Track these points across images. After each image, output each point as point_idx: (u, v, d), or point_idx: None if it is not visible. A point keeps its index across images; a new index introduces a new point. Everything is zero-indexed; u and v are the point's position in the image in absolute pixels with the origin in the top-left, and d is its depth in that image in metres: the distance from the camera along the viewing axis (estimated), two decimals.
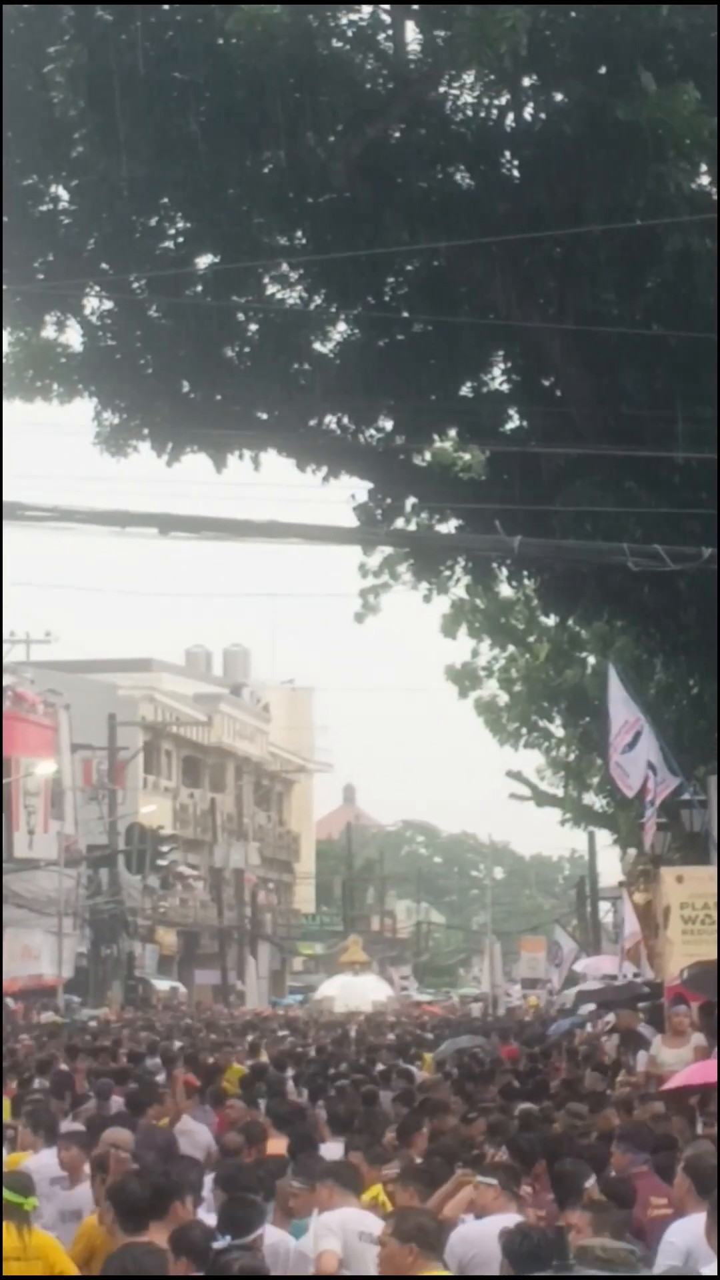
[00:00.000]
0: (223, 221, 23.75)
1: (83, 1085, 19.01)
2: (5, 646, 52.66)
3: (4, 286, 23.41)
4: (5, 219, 23.10)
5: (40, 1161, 12.92)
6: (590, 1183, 9.75)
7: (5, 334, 25.61)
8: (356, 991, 58.88)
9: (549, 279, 24.76)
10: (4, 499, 17.30)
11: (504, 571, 28.98)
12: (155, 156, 22.46)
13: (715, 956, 21.50)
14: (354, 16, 23.33)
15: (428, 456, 29.16)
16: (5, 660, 52.42)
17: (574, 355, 24.94)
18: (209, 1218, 9.62)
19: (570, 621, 33.87)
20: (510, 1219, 9.67)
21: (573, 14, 21.78)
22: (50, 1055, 23.47)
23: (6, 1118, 15.57)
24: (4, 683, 49.40)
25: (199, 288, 25.77)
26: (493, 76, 22.88)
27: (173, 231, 25.55)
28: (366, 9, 23.33)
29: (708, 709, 32.19)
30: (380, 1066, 21.77)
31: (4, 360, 25.61)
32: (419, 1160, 11.53)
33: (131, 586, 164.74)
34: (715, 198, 23.16)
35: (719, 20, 21.36)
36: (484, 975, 65.06)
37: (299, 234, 25.67)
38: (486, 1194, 9.84)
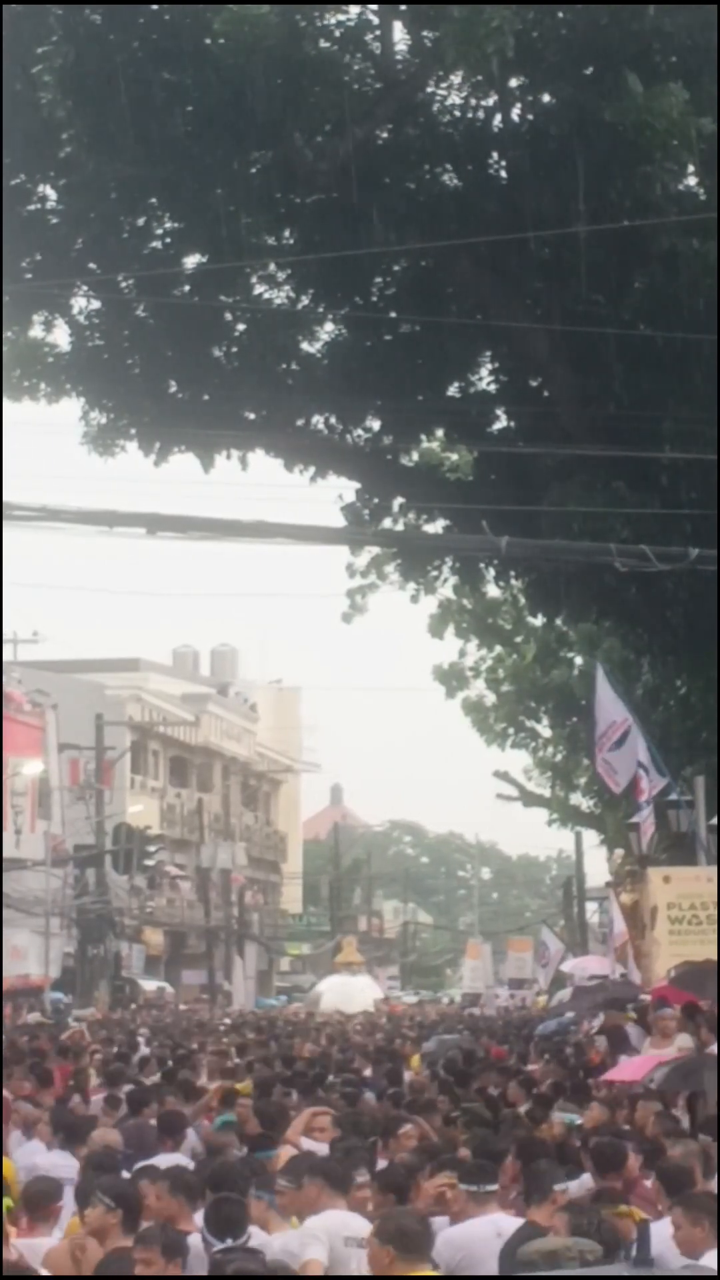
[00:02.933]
0: (210, 222, 23.76)
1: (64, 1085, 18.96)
2: None
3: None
4: None
5: (51, 1162, 12.92)
6: (561, 1187, 9.71)
7: None
8: (352, 992, 58.89)
9: (536, 279, 24.80)
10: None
11: (491, 572, 29.02)
12: (143, 156, 22.48)
13: (702, 956, 21.51)
14: (341, 17, 23.37)
15: (415, 457, 29.21)
16: None
17: (561, 356, 24.98)
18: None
19: (557, 622, 33.92)
20: (494, 1219, 9.70)
21: (560, 15, 21.83)
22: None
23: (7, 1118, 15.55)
24: None
25: (187, 288, 25.79)
26: (480, 77, 22.93)
27: (160, 231, 25.56)
28: (354, 10, 23.38)
29: (694, 709, 32.26)
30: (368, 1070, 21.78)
31: None
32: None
33: (119, 586, 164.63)
34: (704, 198, 23.21)
35: (719, 21, 21.38)
36: (467, 975, 65.04)
37: (287, 234, 25.70)
38: (459, 1196, 9.85)
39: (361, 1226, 9.26)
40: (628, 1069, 16.37)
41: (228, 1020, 40.79)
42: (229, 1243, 8.10)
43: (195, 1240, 9.05)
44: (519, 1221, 9.55)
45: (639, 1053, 18.28)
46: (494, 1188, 9.86)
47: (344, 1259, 9.17)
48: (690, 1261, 8.78)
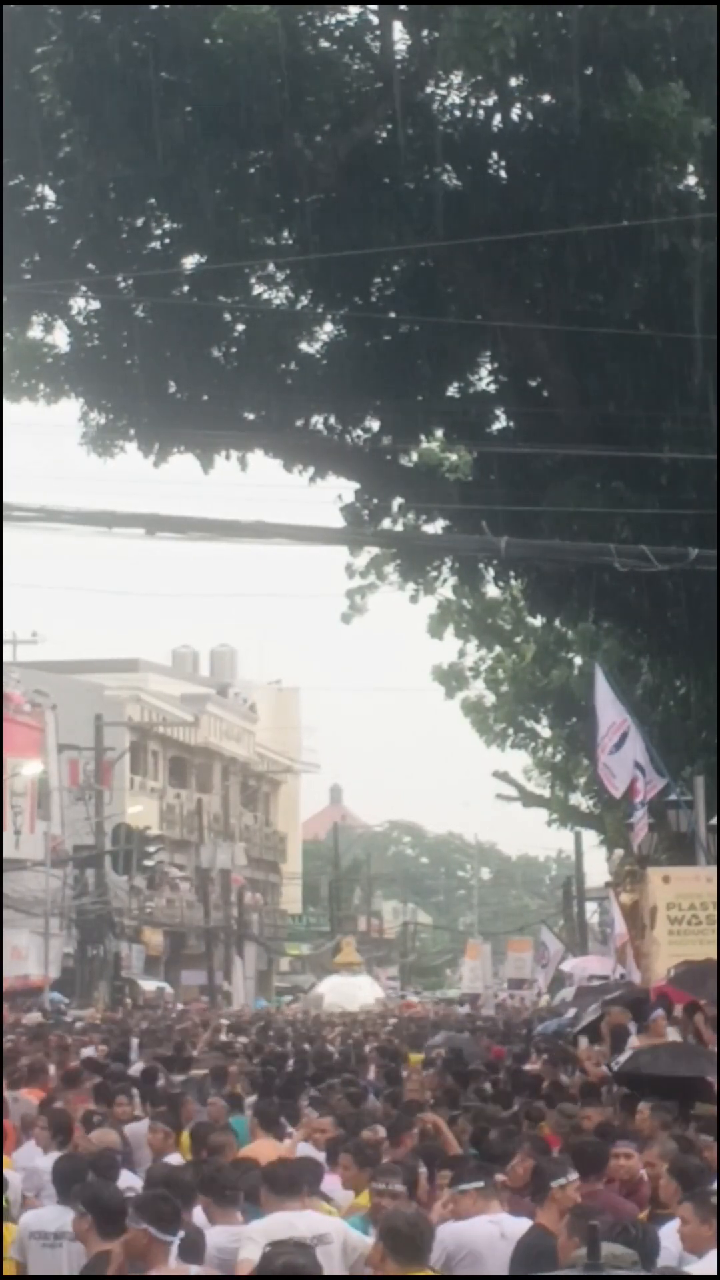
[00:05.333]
0: (210, 222, 23.73)
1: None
2: None
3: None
4: None
5: (49, 1163, 12.88)
6: (559, 1183, 9.69)
7: None
8: (353, 992, 58.94)
9: (536, 279, 24.78)
10: None
11: (491, 572, 28.99)
12: (142, 156, 22.45)
13: (702, 956, 21.52)
14: (341, 17, 23.36)
15: (414, 457, 29.12)
16: None
17: (561, 356, 24.97)
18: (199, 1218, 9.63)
19: (557, 622, 33.89)
20: (497, 1218, 9.68)
21: (560, 15, 21.80)
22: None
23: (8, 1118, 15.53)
24: None
25: (186, 288, 25.76)
26: (480, 77, 22.88)
27: (159, 232, 25.54)
28: (354, 10, 23.37)
29: (694, 709, 32.22)
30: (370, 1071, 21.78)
31: None
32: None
33: (118, 587, 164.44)
34: (704, 198, 23.18)
35: (719, 21, 21.36)
36: (466, 975, 65.05)
37: (286, 234, 25.66)
38: (465, 1198, 9.84)
39: (312, 1226, 9.24)
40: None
41: (224, 1021, 40.67)
42: (181, 1235, 8.10)
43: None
44: (523, 1222, 9.53)
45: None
46: (482, 1184, 9.85)
47: None
48: (693, 1259, 8.77)
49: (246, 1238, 9.12)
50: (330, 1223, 9.55)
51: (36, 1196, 12.83)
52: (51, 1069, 19.43)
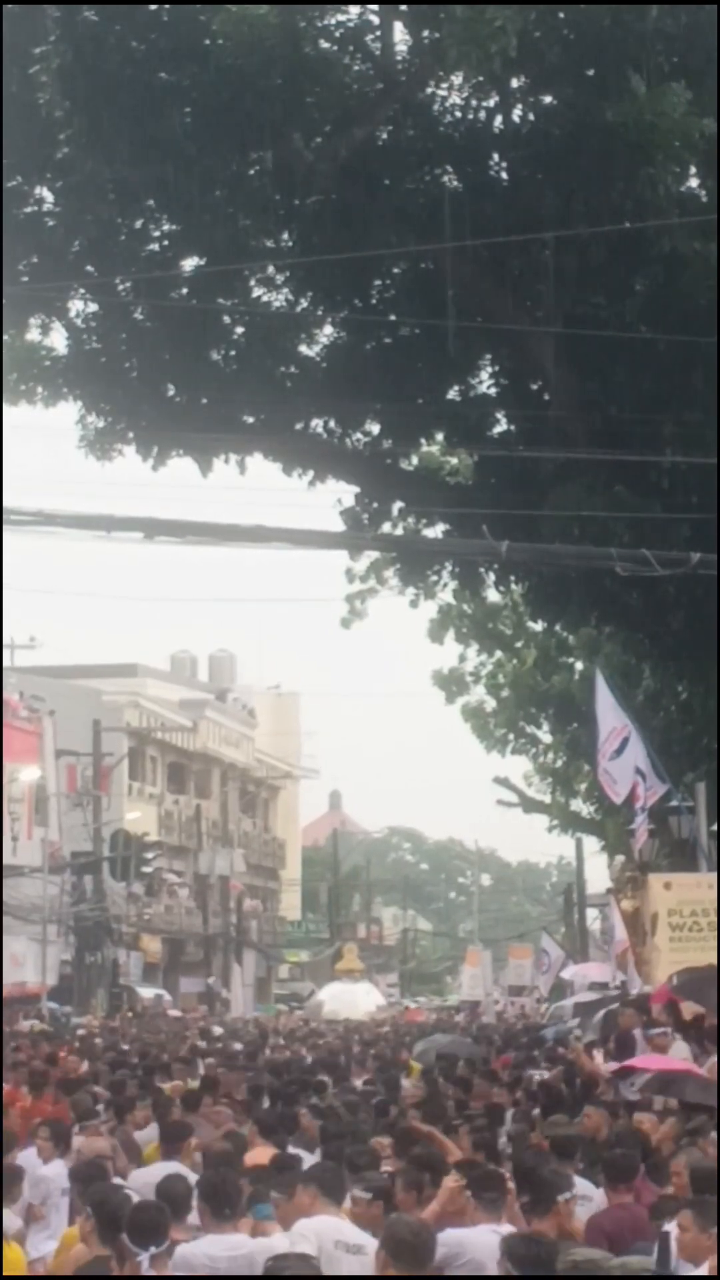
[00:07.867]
0: (209, 224, 23.64)
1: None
2: None
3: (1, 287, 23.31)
4: None
5: (54, 1170, 12.82)
6: (565, 1196, 9.56)
7: None
8: (354, 999, 58.86)
9: (537, 282, 24.65)
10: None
11: (491, 576, 28.89)
12: (141, 158, 22.35)
13: (703, 963, 21.41)
14: (341, 17, 23.26)
15: (415, 460, 29.10)
16: None
17: (562, 359, 24.85)
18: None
19: (558, 627, 33.80)
20: (498, 1228, 9.55)
21: (561, 15, 21.70)
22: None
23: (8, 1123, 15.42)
24: None
25: (184, 290, 25.67)
26: (481, 78, 22.80)
27: (158, 234, 25.46)
28: (354, 10, 23.27)
29: (695, 715, 32.11)
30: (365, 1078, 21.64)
31: None
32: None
33: (116, 591, 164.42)
34: (706, 199, 23.09)
35: (719, 21, 21.27)
36: (465, 982, 64.92)
37: (285, 236, 25.58)
38: (467, 1203, 9.74)
39: (353, 1233, 9.16)
40: (646, 1060, 16.34)
41: (218, 1029, 40.53)
42: (152, 1250, 7.98)
43: (186, 1249, 8.94)
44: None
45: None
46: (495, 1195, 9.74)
47: (334, 1262, 9.07)
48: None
49: (299, 1236, 9.05)
50: (365, 1236, 9.43)
51: (42, 1205, 12.77)
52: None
